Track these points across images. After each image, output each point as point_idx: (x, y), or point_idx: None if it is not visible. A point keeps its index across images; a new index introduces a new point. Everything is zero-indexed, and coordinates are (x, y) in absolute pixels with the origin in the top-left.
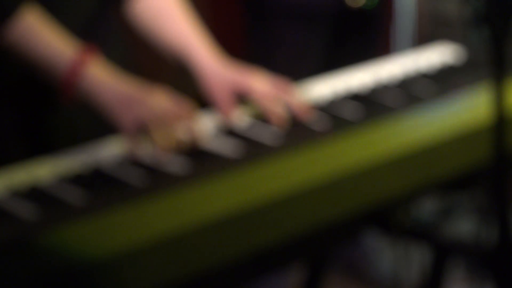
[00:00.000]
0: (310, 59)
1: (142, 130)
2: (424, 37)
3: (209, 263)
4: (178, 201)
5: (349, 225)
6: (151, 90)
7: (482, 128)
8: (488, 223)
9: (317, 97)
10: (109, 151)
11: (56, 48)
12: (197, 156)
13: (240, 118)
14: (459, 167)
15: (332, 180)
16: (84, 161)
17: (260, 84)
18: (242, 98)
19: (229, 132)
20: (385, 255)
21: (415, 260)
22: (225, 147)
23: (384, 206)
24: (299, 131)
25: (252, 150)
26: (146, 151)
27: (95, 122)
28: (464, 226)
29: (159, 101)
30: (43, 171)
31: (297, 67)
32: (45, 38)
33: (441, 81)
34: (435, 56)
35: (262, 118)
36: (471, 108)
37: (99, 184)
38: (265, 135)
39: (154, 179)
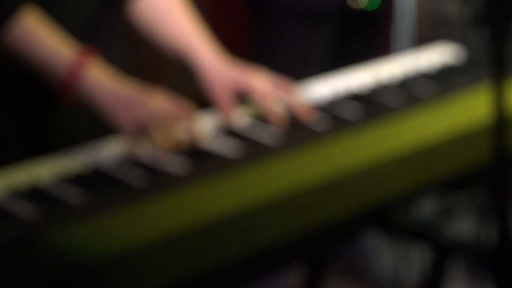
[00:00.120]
0: (311, 59)
1: (141, 131)
2: (424, 37)
3: (208, 263)
4: (178, 201)
5: (349, 225)
6: (150, 92)
7: (482, 128)
8: (488, 223)
9: (317, 97)
10: (109, 151)
11: (55, 50)
12: (197, 156)
13: (240, 118)
14: (459, 167)
15: (332, 180)
16: (84, 161)
17: (261, 83)
18: (242, 98)
19: (229, 132)
20: (385, 255)
21: (415, 260)
22: (225, 147)
23: (384, 206)
24: (299, 131)
25: (252, 150)
26: (146, 151)
27: (95, 122)
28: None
29: (158, 102)
30: (43, 171)
31: (298, 67)
32: (44, 39)
33: (441, 81)
34: (435, 56)
35: (262, 118)
36: (471, 108)
37: (99, 184)
38: (265, 135)
39: (154, 179)
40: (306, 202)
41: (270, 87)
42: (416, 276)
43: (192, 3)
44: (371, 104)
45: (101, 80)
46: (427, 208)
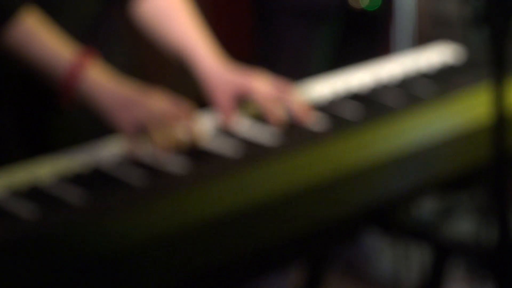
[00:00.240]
0: (312, 58)
1: (141, 131)
2: (424, 37)
3: (208, 264)
4: (178, 201)
5: (349, 225)
6: (149, 92)
7: (482, 128)
8: (488, 223)
9: (317, 97)
10: (109, 151)
11: (55, 50)
12: (197, 156)
13: (240, 118)
14: (459, 167)
15: (332, 180)
16: (84, 161)
17: (262, 86)
18: (242, 98)
19: (229, 132)
20: (385, 255)
21: (415, 260)
22: (225, 147)
23: (384, 206)
24: (299, 131)
25: (252, 150)
26: (145, 151)
27: (95, 122)
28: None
29: (157, 102)
30: (43, 171)
31: (300, 66)
32: (44, 40)
33: (441, 81)
34: (435, 56)
35: (262, 118)
36: (471, 108)
37: (99, 184)
38: (265, 136)
39: (153, 179)
40: (306, 202)
41: (271, 89)
42: (416, 276)
43: (195, 2)
44: (371, 104)
45: (100, 80)
46: (427, 208)
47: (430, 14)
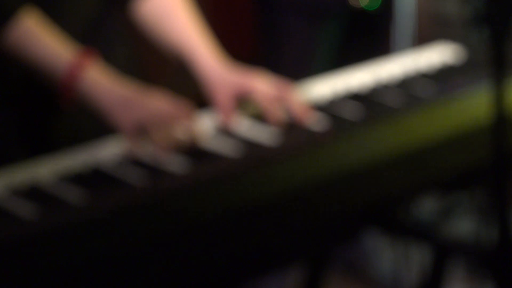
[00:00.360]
0: (313, 58)
1: (141, 131)
2: (424, 37)
3: (207, 263)
4: (177, 201)
5: (349, 225)
6: (149, 92)
7: (482, 128)
8: (488, 223)
9: (317, 97)
10: (109, 151)
11: (55, 51)
12: (197, 155)
13: (240, 118)
14: (459, 167)
15: (332, 180)
16: (84, 161)
17: (262, 85)
18: (242, 98)
19: (229, 132)
20: (385, 255)
21: (415, 260)
22: (225, 147)
23: (384, 206)
24: (299, 131)
25: (252, 150)
26: (145, 151)
27: (95, 122)
28: (464, 226)
29: (157, 103)
30: (43, 171)
31: (301, 65)
32: (44, 41)
33: (441, 81)
34: (435, 56)
35: (262, 118)
36: (471, 108)
37: (99, 184)
38: (265, 136)
39: (154, 179)
40: (305, 202)
41: (271, 89)
42: (416, 276)
43: (196, 1)
44: (371, 104)
45: (100, 81)
46: (427, 208)
47: (430, 14)
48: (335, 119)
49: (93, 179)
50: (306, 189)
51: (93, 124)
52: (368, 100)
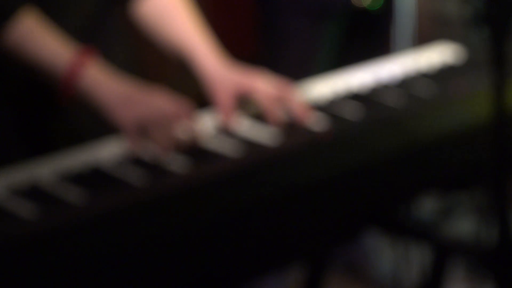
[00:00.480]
0: (315, 57)
1: (142, 129)
2: (424, 37)
3: (207, 264)
4: (178, 200)
5: (349, 225)
6: (150, 91)
7: (482, 128)
8: (488, 223)
9: (317, 97)
10: (109, 151)
11: (55, 50)
12: (197, 155)
13: (240, 118)
14: (459, 167)
15: (332, 180)
16: (84, 161)
17: (263, 85)
18: (243, 97)
19: (229, 132)
20: (385, 255)
21: (415, 260)
22: (225, 147)
23: (384, 206)
24: (299, 131)
25: (252, 150)
26: (146, 150)
27: (95, 122)
28: (464, 226)
29: (158, 101)
30: (43, 171)
31: (303, 65)
32: (44, 40)
33: (441, 81)
34: (435, 56)
35: (262, 118)
36: (471, 108)
37: (99, 184)
38: (265, 136)
39: (154, 178)
40: (305, 202)
41: (271, 89)
42: (416, 276)
43: (197, 0)
44: (371, 104)
45: (101, 78)
46: (427, 208)
47: (430, 14)
48: (335, 119)
49: (93, 179)
50: (306, 189)
51: (93, 124)
52: (368, 100)
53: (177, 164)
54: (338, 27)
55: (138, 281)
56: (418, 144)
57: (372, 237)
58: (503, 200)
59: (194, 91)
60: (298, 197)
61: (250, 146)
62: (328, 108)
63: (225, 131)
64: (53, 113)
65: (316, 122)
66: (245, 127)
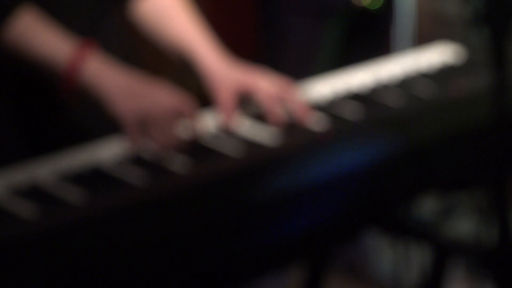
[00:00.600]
0: (316, 57)
1: (142, 123)
2: (424, 37)
3: (207, 264)
4: (178, 200)
5: (349, 225)
6: (154, 84)
7: (482, 128)
8: (488, 223)
9: (317, 97)
10: (109, 150)
11: (55, 45)
12: (198, 155)
13: (241, 118)
14: (459, 167)
15: (332, 180)
16: (84, 161)
17: (264, 84)
18: (244, 96)
19: (230, 132)
20: (385, 255)
21: (415, 260)
22: (226, 146)
23: (384, 206)
24: (299, 131)
25: (252, 150)
26: (147, 148)
27: (96, 122)
28: (464, 226)
29: (161, 95)
30: (43, 171)
31: (304, 64)
32: (43, 36)
33: (441, 81)
34: (435, 56)
35: (262, 118)
36: (471, 108)
37: (99, 184)
38: (265, 136)
39: (154, 179)
40: (305, 202)
41: (273, 89)
42: (416, 276)
43: (197, 2)
44: (371, 104)
45: (103, 69)
46: (427, 208)
47: (430, 14)
48: (335, 119)
49: (93, 179)
50: (306, 189)
51: (93, 124)
52: (368, 100)
53: (177, 164)
54: (338, 27)
55: (139, 281)
56: (418, 144)
57: (372, 237)
58: (503, 200)
59: (195, 91)
60: (298, 197)
61: (251, 146)
62: (328, 108)
63: (226, 131)
64: (53, 113)
65: (316, 122)
66: (246, 127)
